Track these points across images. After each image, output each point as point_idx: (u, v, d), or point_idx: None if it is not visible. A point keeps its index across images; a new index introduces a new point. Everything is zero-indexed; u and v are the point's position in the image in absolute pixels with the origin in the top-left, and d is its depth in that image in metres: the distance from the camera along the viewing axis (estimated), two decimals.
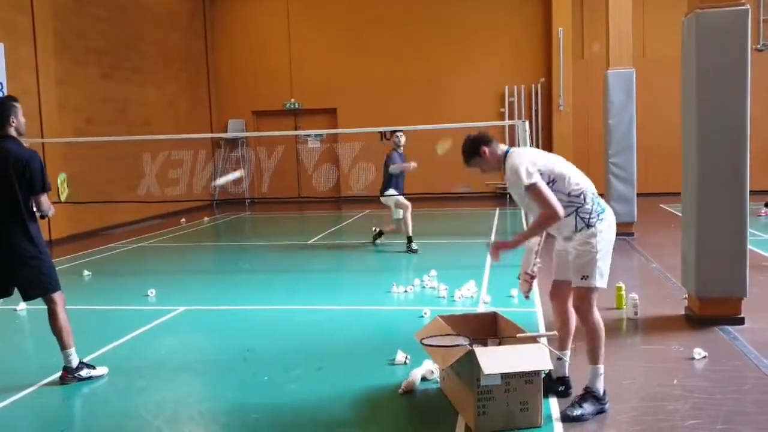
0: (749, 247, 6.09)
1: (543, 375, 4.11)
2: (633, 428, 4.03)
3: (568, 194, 4.20)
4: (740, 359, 5.14)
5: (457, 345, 4.08)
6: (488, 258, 9.43)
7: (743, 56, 5.86)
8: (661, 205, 14.74)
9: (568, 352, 4.59)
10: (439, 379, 4.72)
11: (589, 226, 4.20)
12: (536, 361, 3.98)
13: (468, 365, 3.95)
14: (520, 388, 3.95)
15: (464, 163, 4.61)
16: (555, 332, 4.55)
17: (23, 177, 4.85)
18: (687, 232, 6.32)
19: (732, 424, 4.00)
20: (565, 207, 4.17)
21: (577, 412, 4.11)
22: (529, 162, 4.19)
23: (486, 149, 4.40)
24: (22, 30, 12.22)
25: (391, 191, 10.66)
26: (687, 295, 6.43)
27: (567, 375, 4.57)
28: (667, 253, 9.07)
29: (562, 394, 4.48)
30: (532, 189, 4.12)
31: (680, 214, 6.72)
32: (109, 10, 15.02)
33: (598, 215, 4.22)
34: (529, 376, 3.95)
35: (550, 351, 4.29)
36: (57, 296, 5.04)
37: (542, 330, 5.87)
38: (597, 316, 4.27)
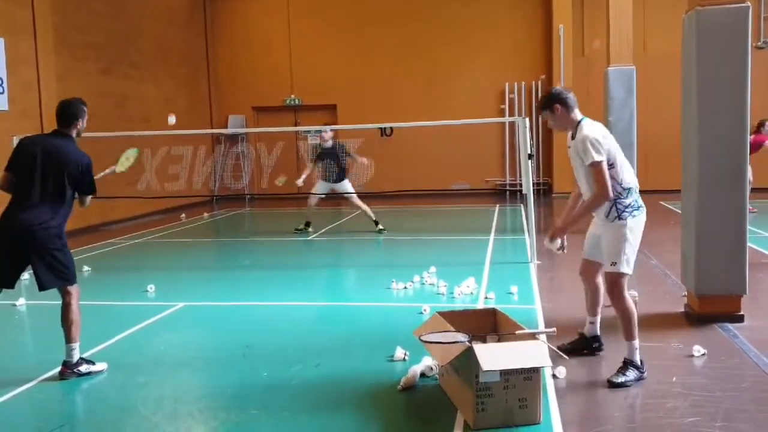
0: (749, 244, 6.09)
1: (566, 345, 4.99)
2: (632, 425, 4.04)
3: (620, 183, 4.59)
4: (739, 357, 5.15)
5: (456, 342, 4.09)
6: (488, 254, 9.44)
7: (743, 54, 5.86)
8: (661, 202, 14.74)
9: (598, 317, 5.17)
10: (438, 376, 4.72)
11: (620, 218, 4.59)
12: (535, 357, 3.98)
13: (467, 362, 3.96)
14: (519, 385, 3.95)
15: (539, 109, 4.87)
16: (554, 329, 4.57)
17: (76, 179, 5.11)
18: (686, 229, 6.32)
19: (731, 422, 4.00)
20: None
21: (621, 379, 4.48)
22: (601, 138, 4.51)
23: (560, 107, 4.67)
24: (22, 25, 12.20)
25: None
26: (686, 293, 6.44)
27: (599, 334, 5.17)
28: (667, 250, 9.07)
29: (597, 350, 5.14)
30: (596, 166, 4.47)
31: (680, 211, 6.71)
32: (108, 5, 15.00)
33: (632, 211, 4.63)
34: (528, 373, 3.95)
35: (548, 347, 4.31)
36: (73, 289, 5.12)
37: (541, 327, 5.88)
38: (628, 299, 4.66)
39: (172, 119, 8.67)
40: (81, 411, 4.75)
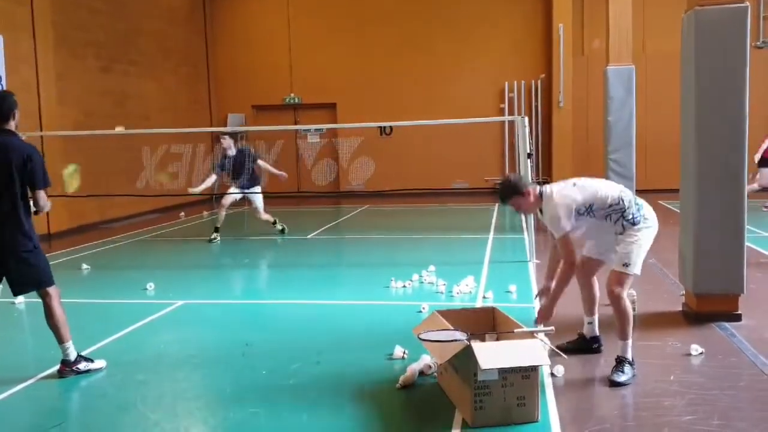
0: (747, 243, 6.10)
1: (566, 345, 5.05)
2: (629, 424, 4.05)
3: (609, 205, 4.73)
4: (737, 356, 5.16)
5: (455, 340, 4.09)
6: (487, 253, 9.46)
7: (742, 53, 5.86)
8: (660, 202, 14.73)
9: (596, 317, 5.24)
10: (436, 374, 4.73)
11: (634, 224, 4.73)
12: (533, 356, 3.99)
13: (465, 360, 3.97)
14: (517, 383, 3.96)
15: (501, 201, 4.98)
16: (552, 328, 4.57)
17: (24, 172, 4.83)
18: (685, 228, 6.33)
19: (728, 420, 4.01)
20: (609, 215, 4.74)
21: (622, 378, 4.56)
22: (565, 208, 4.68)
23: (530, 190, 4.82)
24: (21, 23, 12.19)
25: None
26: (684, 292, 6.45)
27: (598, 334, 5.23)
28: (665, 249, 9.05)
29: (596, 351, 5.17)
30: (562, 240, 4.72)
31: (678, 211, 6.72)
32: (108, 3, 14.99)
33: (639, 212, 4.76)
34: (526, 372, 3.96)
35: (547, 346, 4.32)
36: (52, 290, 5.03)
37: (540, 326, 5.88)
38: (627, 301, 4.75)
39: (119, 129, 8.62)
40: (80, 409, 4.76)
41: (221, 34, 19.84)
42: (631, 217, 4.72)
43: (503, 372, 3.92)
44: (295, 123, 19.45)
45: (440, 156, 18.25)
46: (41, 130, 12.08)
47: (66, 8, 13.53)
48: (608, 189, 4.81)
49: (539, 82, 18.20)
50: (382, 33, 18.78)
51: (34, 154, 4.90)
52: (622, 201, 4.73)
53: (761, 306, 6.44)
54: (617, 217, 4.73)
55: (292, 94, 19.47)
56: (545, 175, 18.13)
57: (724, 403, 4.27)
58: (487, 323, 4.82)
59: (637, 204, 4.80)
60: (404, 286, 7.66)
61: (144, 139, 13.77)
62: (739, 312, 6.02)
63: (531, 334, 4.33)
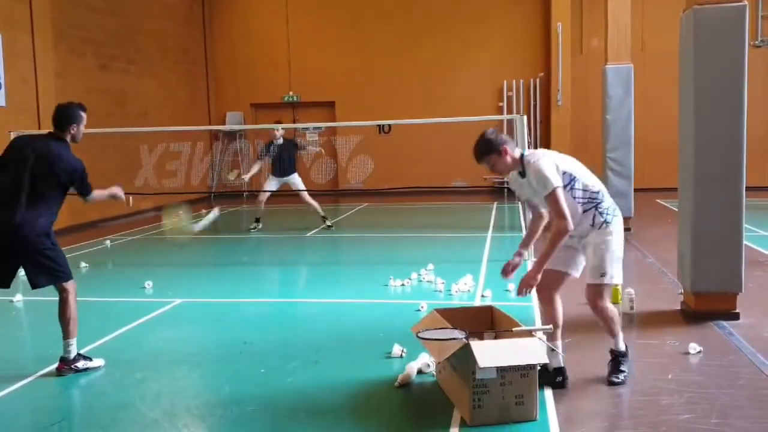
0: (745, 242, 6.11)
1: (538, 367, 4.13)
2: (628, 422, 4.06)
3: (590, 191, 4.42)
4: (735, 354, 5.16)
5: (453, 338, 4.10)
6: (485, 252, 9.46)
7: (741, 52, 5.87)
8: (658, 201, 14.77)
9: (559, 342, 4.65)
10: (435, 373, 4.73)
11: (606, 223, 4.43)
12: (532, 354, 3.99)
13: (464, 359, 3.97)
14: (515, 382, 3.96)
15: (476, 159, 4.54)
16: (550, 326, 4.57)
17: (66, 184, 5.06)
18: (683, 227, 6.34)
19: (726, 419, 4.02)
20: (586, 202, 4.41)
21: (621, 377, 4.52)
22: (553, 165, 4.35)
23: (507, 148, 4.46)
24: (20, 20, 12.18)
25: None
26: (683, 290, 6.45)
27: (563, 366, 4.59)
28: (664, 248, 9.09)
29: (559, 385, 4.50)
30: (553, 194, 4.26)
31: (677, 209, 6.73)
32: (107, 1, 14.97)
33: (613, 210, 4.49)
34: (524, 370, 3.97)
35: (546, 345, 4.32)
36: (69, 285, 5.09)
37: (538, 324, 5.89)
38: (610, 306, 4.61)
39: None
40: (78, 407, 4.77)
41: (220, 32, 19.82)
42: (604, 211, 4.41)
43: (501, 370, 3.92)
44: (294, 121, 19.43)
45: (439, 154, 18.24)
46: (39, 128, 12.05)
47: (65, 6, 13.51)
48: (593, 176, 4.55)
49: (538, 80, 18.20)
50: (380, 32, 18.77)
51: (82, 170, 5.14)
52: (601, 194, 4.46)
53: (759, 305, 6.45)
54: (591, 207, 4.40)
55: (291, 93, 19.46)
56: None
57: (722, 401, 4.27)
58: (485, 322, 4.82)
59: (610, 201, 4.54)
60: (403, 285, 7.66)
61: (142, 137, 13.78)
62: (738, 311, 6.03)
63: (529, 333, 4.32)
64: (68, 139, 5.17)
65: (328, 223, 12.26)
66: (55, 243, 5.09)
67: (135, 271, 9.08)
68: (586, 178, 4.46)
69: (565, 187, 4.35)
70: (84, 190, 5.19)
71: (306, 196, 12.19)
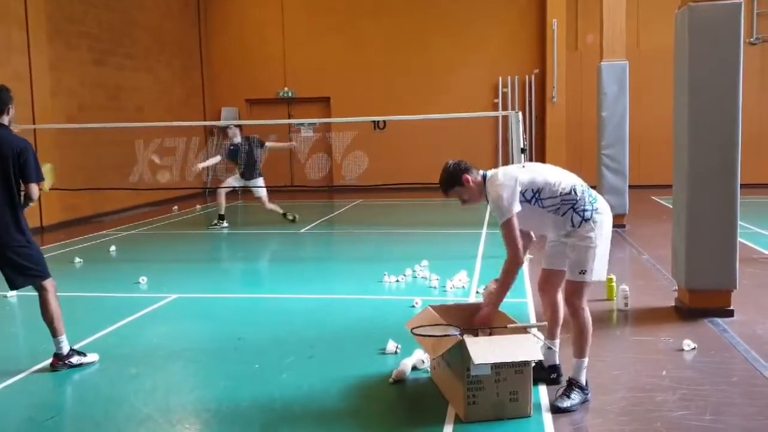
0: (739, 239, 6.12)
1: (533, 364, 4.13)
2: (621, 418, 4.06)
3: (560, 195, 4.21)
4: (729, 351, 5.18)
5: (448, 335, 4.10)
6: (480, 248, 9.47)
7: (736, 49, 5.87)
8: (653, 197, 14.79)
9: (558, 341, 4.63)
10: (429, 369, 4.74)
11: (586, 220, 4.19)
12: (526, 351, 3.99)
13: (458, 355, 3.97)
14: (510, 378, 3.97)
15: (444, 194, 4.45)
16: (545, 322, 4.58)
17: (17, 166, 4.85)
18: (677, 224, 6.35)
19: (720, 415, 4.03)
20: (559, 207, 4.22)
21: (567, 403, 4.15)
22: (510, 190, 4.16)
23: (468, 177, 4.33)
24: (14, 14, 12.13)
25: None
26: (677, 287, 6.47)
27: (558, 363, 4.60)
28: (658, 245, 9.11)
29: (554, 382, 4.51)
30: (506, 224, 4.16)
31: (672, 206, 6.74)
32: None
33: (592, 205, 4.22)
34: (519, 366, 3.97)
35: (540, 341, 4.32)
36: (48, 283, 5.03)
37: (533, 320, 5.90)
38: (587, 311, 4.29)
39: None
40: (72, 402, 4.76)
41: (215, 28, 19.77)
42: (581, 209, 4.18)
43: (496, 367, 3.93)
44: (289, 117, 19.40)
45: (434, 151, 18.16)
46: (34, 122, 12.02)
47: (60, 0, 13.45)
48: (561, 177, 4.28)
49: (533, 77, 18.20)
50: (376, 27, 18.75)
51: (27, 147, 4.91)
52: (575, 192, 4.20)
53: (754, 302, 6.47)
54: (567, 209, 4.20)
55: (286, 88, 19.42)
56: None
57: (716, 398, 4.29)
58: None
59: (591, 196, 4.26)
60: (397, 281, 7.66)
61: (137, 133, 13.72)
62: (732, 308, 6.05)
63: (524, 329, 4.33)
64: (5, 122, 4.96)
65: (290, 216, 12.12)
66: (30, 240, 4.99)
67: (129, 266, 9.06)
68: (554, 183, 4.23)
69: (530, 201, 4.21)
70: (31, 174, 4.87)
71: (267, 203, 11.99)
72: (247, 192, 12.62)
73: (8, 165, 4.83)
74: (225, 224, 12.03)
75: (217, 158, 12.10)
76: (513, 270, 4.24)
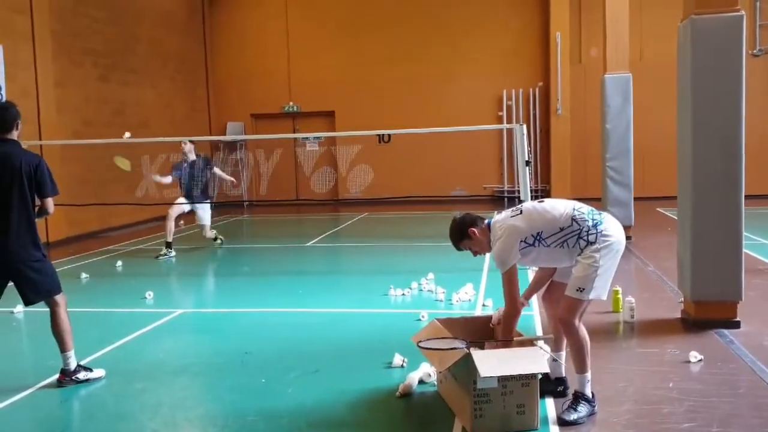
0: (745, 250, 6.12)
1: (540, 377, 4.13)
2: (628, 431, 4.05)
3: (561, 230, 4.23)
4: (736, 362, 5.17)
5: (454, 348, 4.10)
6: (486, 261, 9.46)
7: (738, 62, 5.89)
8: (658, 209, 14.78)
9: (563, 353, 4.62)
10: (436, 382, 4.73)
11: (591, 243, 4.19)
12: (533, 363, 3.99)
13: (465, 368, 3.97)
14: (516, 391, 3.97)
15: (455, 247, 4.58)
16: (552, 335, 4.58)
17: (33, 181, 4.90)
18: (683, 235, 6.35)
19: (727, 427, 4.02)
20: (565, 240, 4.23)
21: (574, 416, 4.14)
22: (510, 242, 4.22)
23: (475, 230, 4.40)
24: (20, 31, 12.23)
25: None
26: (683, 299, 6.46)
27: (564, 375, 4.60)
28: (664, 256, 9.09)
29: (560, 394, 4.51)
30: (506, 276, 4.25)
31: (676, 218, 6.74)
32: (106, 11, 15.03)
33: (596, 228, 4.21)
34: (525, 379, 3.97)
35: (546, 353, 4.32)
36: (59, 298, 5.06)
37: (539, 333, 5.89)
38: (582, 328, 4.29)
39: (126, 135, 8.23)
40: (79, 418, 4.76)
41: (220, 43, 19.89)
42: (586, 235, 4.18)
43: (503, 380, 3.92)
44: (294, 131, 19.47)
45: (439, 164, 18.28)
46: (40, 138, 12.09)
47: (65, 17, 13.56)
48: (558, 210, 4.27)
49: (537, 90, 18.25)
50: (380, 41, 18.83)
51: (42, 162, 4.99)
52: (575, 221, 4.20)
53: (760, 313, 6.45)
54: (573, 239, 4.20)
55: (291, 103, 19.50)
56: (544, 182, 18.16)
57: (723, 410, 4.27)
58: (486, 331, 4.82)
59: (594, 220, 4.23)
60: (403, 294, 7.66)
61: (143, 148, 13.79)
62: (738, 319, 6.03)
63: (530, 342, 4.33)
64: (16, 137, 5.01)
65: (219, 241, 11.60)
66: (45, 255, 5.04)
67: (135, 281, 9.08)
68: (552, 220, 4.24)
69: (533, 244, 4.24)
70: (47, 189, 4.94)
71: (206, 230, 11.39)
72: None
73: (24, 181, 4.88)
74: (173, 253, 10.89)
75: (169, 178, 11.28)
76: (511, 321, 4.35)
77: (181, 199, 11.19)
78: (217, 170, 11.64)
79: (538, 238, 4.24)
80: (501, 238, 4.25)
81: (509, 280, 4.25)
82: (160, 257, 10.71)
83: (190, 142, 11.28)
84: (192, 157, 11.16)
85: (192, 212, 11.36)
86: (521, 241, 4.23)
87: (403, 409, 4.49)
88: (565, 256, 4.28)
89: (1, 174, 4.87)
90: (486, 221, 4.44)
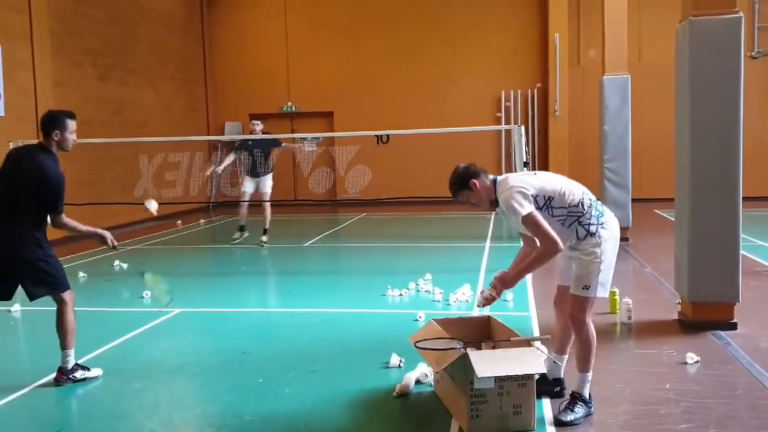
0: (742, 252, 6.13)
1: (537, 377, 4.13)
2: None
3: (568, 206, 4.21)
4: (732, 364, 5.17)
5: (451, 348, 4.10)
6: (483, 262, 9.48)
7: (737, 63, 5.90)
8: (656, 211, 14.79)
9: (566, 357, 4.63)
10: (433, 383, 4.74)
11: (591, 234, 4.19)
12: (530, 364, 4.00)
13: (462, 368, 3.98)
14: (513, 392, 3.97)
15: (452, 196, 4.52)
16: (548, 336, 4.58)
17: (46, 195, 4.91)
18: (680, 237, 6.36)
19: (723, 428, 4.03)
20: (566, 218, 4.21)
21: (570, 417, 4.15)
22: (521, 190, 4.16)
23: (476, 181, 4.37)
24: (19, 30, 12.22)
25: None
26: (680, 300, 6.47)
27: (562, 377, 4.60)
28: (661, 258, 9.10)
29: (557, 395, 4.51)
30: (529, 219, 4.08)
31: (674, 219, 6.75)
32: (105, 11, 15.02)
33: (598, 219, 4.22)
34: (522, 380, 3.97)
35: (544, 354, 4.32)
36: (66, 295, 5.07)
37: (536, 334, 5.90)
38: (591, 326, 4.29)
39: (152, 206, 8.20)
40: (76, 417, 4.76)
41: (218, 42, 19.89)
42: (586, 223, 4.19)
43: (500, 380, 3.93)
44: (292, 131, 19.46)
45: (437, 164, 18.10)
46: (38, 138, 12.06)
47: (64, 16, 13.56)
48: (571, 187, 4.29)
49: (535, 91, 18.26)
50: (379, 42, 18.84)
51: (59, 183, 4.93)
52: (582, 205, 4.21)
53: (757, 315, 6.46)
54: (572, 221, 4.20)
55: (289, 103, 19.50)
56: None
57: (719, 411, 4.28)
58: (483, 331, 4.83)
59: (597, 210, 4.25)
60: (401, 295, 7.67)
61: (141, 148, 13.79)
62: (735, 320, 6.04)
63: (527, 343, 4.33)
64: (52, 147, 5.04)
65: (238, 236, 11.93)
66: (49, 254, 5.05)
67: (133, 280, 9.06)
68: (565, 193, 4.23)
69: (541, 208, 4.17)
70: (59, 208, 4.99)
71: (267, 209, 11.83)
72: (249, 207, 12.36)
73: (36, 190, 4.89)
74: (246, 234, 11.85)
75: (232, 156, 12.03)
76: (545, 257, 4.12)
77: (247, 179, 11.78)
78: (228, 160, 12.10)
79: (547, 203, 4.19)
80: (513, 187, 4.18)
81: (535, 222, 4.07)
82: (234, 241, 11.68)
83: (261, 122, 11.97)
84: (258, 135, 11.67)
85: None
86: (533, 198, 4.16)
87: (400, 410, 4.49)
88: (560, 234, 4.15)
89: (17, 177, 4.92)
90: (491, 177, 4.41)
